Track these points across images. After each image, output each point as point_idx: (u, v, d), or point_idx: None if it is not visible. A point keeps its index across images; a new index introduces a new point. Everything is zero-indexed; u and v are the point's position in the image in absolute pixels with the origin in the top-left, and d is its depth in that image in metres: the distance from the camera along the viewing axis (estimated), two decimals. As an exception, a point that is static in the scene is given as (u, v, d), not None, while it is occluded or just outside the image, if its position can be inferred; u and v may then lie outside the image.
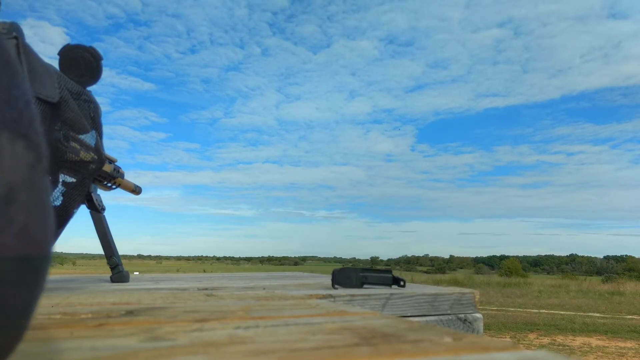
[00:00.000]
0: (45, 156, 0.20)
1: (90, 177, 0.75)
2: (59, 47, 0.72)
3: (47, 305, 0.47)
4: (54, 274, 1.24)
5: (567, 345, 5.51)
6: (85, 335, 0.29)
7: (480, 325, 0.69)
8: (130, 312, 0.41)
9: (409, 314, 0.65)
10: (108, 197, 0.97)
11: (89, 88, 0.72)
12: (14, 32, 0.52)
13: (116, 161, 0.93)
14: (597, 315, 8.32)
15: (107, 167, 0.88)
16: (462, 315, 0.68)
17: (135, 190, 1.06)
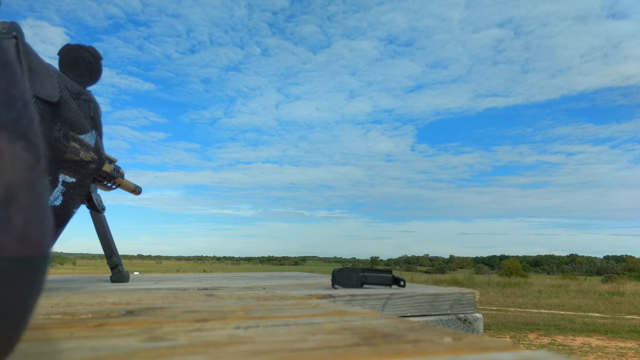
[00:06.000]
0: (44, 157, 0.20)
1: (90, 177, 0.75)
2: (59, 47, 0.72)
3: (47, 305, 0.47)
4: (54, 274, 1.24)
5: (567, 345, 5.51)
6: (85, 335, 0.29)
7: (480, 325, 0.69)
8: (130, 312, 0.41)
9: (409, 314, 0.65)
10: (108, 197, 0.97)
11: (89, 88, 0.72)
12: (14, 32, 0.52)
13: (116, 161, 0.93)
14: (597, 315, 8.32)
15: (107, 167, 0.87)
16: (462, 315, 0.68)
17: (135, 190, 1.06)
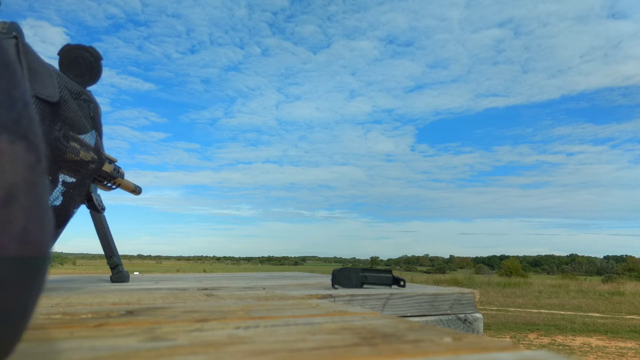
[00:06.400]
0: (44, 157, 0.20)
1: (90, 177, 0.75)
2: (59, 47, 0.72)
3: (47, 305, 0.47)
4: (54, 274, 1.24)
5: (567, 345, 5.51)
6: (85, 335, 0.29)
7: (480, 325, 0.69)
8: (130, 312, 0.41)
9: (409, 314, 0.65)
10: (108, 197, 0.97)
11: (89, 88, 0.72)
12: (14, 32, 0.52)
13: (116, 161, 0.93)
14: (597, 315, 8.32)
15: (107, 167, 0.88)
16: (462, 315, 0.68)
17: (135, 190, 1.06)
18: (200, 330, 0.31)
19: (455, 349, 0.24)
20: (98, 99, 0.74)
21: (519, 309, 8.99)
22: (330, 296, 0.61)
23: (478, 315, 0.69)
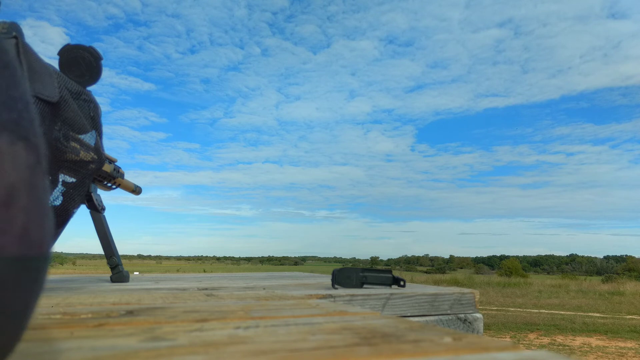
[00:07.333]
0: (44, 157, 0.20)
1: (90, 177, 0.75)
2: (59, 47, 0.72)
3: (47, 305, 0.47)
4: (54, 274, 1.24)
5: (567, 345, 5.51)
6: (85, 335, 0.29)
7: (480, 325, 0.69)
8: (130, 312, 0.41)
9: (409, 314, 0.65)
10: (108, 197, 0.97)
11: (89, 88, 0.72)
12: (14, 32, 0.52)
13: (116, 161, 0.93)
14: (597, 315, 8.32)
15: (107, 167, 0.88)
16: (462, 315, 0.68)
17: (135, 190, 1.06)
18: (200, 330, 0.31)
19: (455, 349, 0.24)
20: (98, 99, 0.74)
21: (519, 309, 8.99)
22: (330, 296, 0.61)
23: (478, 315, 0.69)
